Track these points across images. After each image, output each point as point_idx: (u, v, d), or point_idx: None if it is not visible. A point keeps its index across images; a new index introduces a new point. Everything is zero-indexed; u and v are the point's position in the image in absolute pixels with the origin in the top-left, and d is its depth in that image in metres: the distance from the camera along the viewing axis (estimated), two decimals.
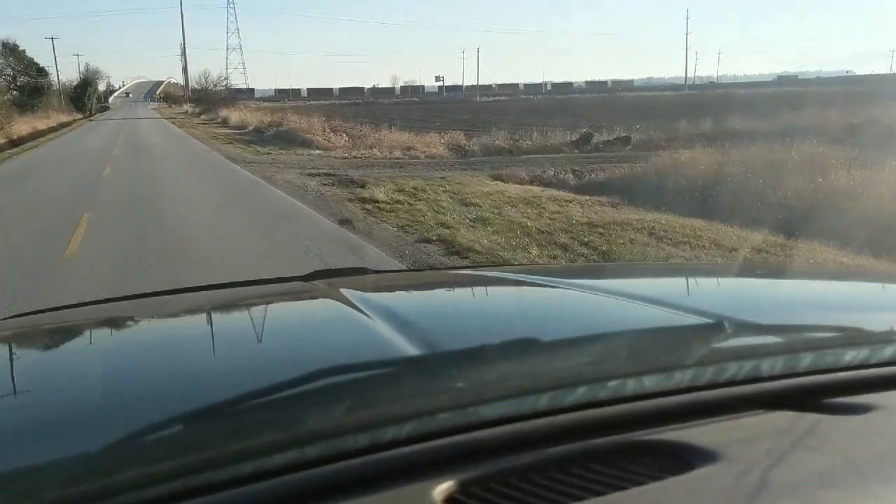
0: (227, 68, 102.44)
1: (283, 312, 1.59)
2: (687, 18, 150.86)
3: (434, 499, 0.72)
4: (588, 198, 13.01)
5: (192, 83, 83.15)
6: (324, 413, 0.79)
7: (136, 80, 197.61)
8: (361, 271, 1.88)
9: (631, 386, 0.87)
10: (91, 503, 0.66)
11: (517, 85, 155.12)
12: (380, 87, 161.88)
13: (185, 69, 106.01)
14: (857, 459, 0.79)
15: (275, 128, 33.69)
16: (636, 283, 1.87)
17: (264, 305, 1.65)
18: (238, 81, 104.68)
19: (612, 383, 0.87)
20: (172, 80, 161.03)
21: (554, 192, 14.27)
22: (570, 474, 0.77)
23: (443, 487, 0.74)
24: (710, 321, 1.08)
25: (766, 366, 0.94)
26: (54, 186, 16.29)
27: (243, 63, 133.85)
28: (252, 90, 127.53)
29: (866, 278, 2.31)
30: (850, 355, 0.98)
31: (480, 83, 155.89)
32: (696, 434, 0.84)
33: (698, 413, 0.88)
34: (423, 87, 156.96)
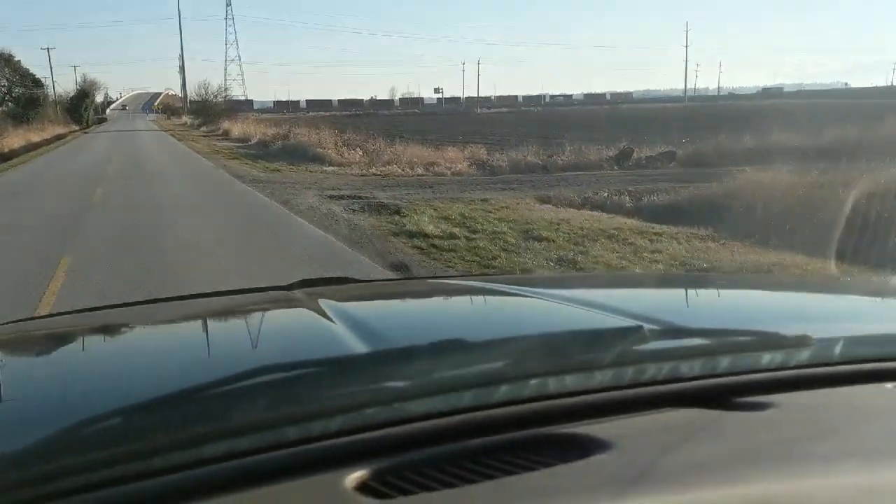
0: (225, 80, 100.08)
1: (251, 320, 1.67)
2: (686, 31, 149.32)
3: (346, 485, 0.77)
4: (676, 229, 10.69)
5: (192, 94, 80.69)
6: (252, 408, 0.86)
7: (135, 92, 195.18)
8: (343, 280, 2.06)
9: (552, 384, 0.93)
10: (39, 485, 0.73)
11: (516, 97, 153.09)
12: (378, 98, 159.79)
13: (183, 81, 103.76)
14: (751, 452, 0.83)
15: (281, 141, 31.35)
16: (587, 291, 1.98)
17: (236, 314, 1.74)
18: (237, 93, 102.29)
19: (533, 381, 0.93)
20: (171, 92, 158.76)
21: (625, 220, 11.96)
22: (481, 464, 0.82)
23: (356, 475, 0.79)
24: (631, 324, 1.14)
25: (685, 367, 0.99)
26: (32, 214, 13.46)
27: (242, 74, 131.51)
28: (251, 102, 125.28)
29: (787, 287, 2.39)
30: (766, 358, 1.03)
31: (478, 95, 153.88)
32: (603, 428, 0.88)
33: (616, 410, 0.93)
34: (422, 98, 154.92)
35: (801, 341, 1.07)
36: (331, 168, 22.15)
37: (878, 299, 1.82)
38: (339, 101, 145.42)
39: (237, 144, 36.32)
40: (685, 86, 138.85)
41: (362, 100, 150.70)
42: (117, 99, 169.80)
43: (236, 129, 46.01)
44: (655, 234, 10.26)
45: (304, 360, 1.07)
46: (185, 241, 10.10)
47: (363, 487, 0.77)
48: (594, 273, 6.32)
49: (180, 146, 37.16)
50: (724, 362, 1.01)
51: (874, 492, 0.77)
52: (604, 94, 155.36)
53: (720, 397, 0.97)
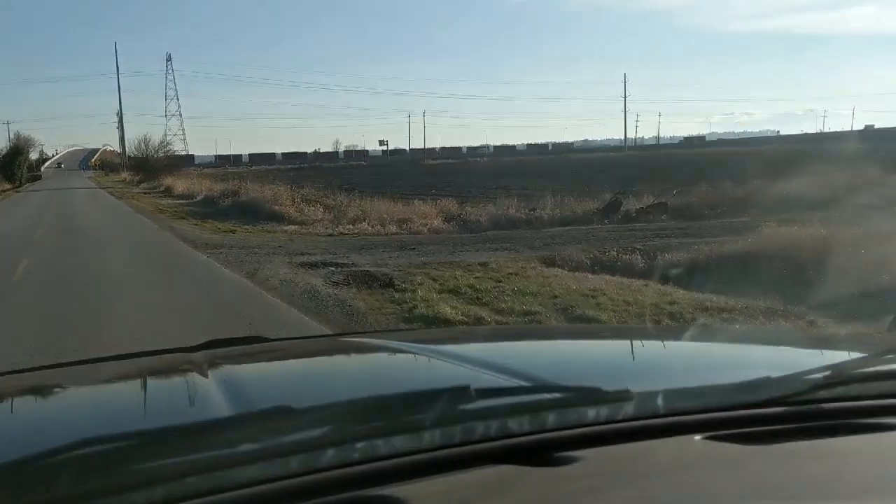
0: (166, 134, 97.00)
1: (122, 388, 1.68)
2: (625, 82, 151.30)
3: None
4: (737, 301, 8.69)
5: (131, 150, 77.50)
6: (59, 482, 0.88)
7: (71, 148, 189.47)
8: (254, 340, 2.10)
9: (382, 446, 0.95)
10: None
11: (460, 148, 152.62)
12: (322, 150, 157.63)
13: (121, 136, 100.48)
14: None
15: (231, 197, 28.87)
16: (492, 346, 2.08)
17: (115, 381, 1.74)
18: (178, 147, 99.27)
19: (360, 444, 0.95)
20: (109, 148, 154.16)
21: (665, 288, 9.91)
22: None
23: None
24: (460, 384, 1.14)
25: (513, 424, 1.03)
26: None
27: (183, 129, 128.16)
28: (192, 157, 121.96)
29: (609, 336, 2.47)
30: (590, 413, 1.08)
31: (420, 146, 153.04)
32: (425, 487, 0.91)
33: (445, 469, 0.96)
34: (366, 150, 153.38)
35: (621, 396, 1.11)
36: (292, 227, 19.86)
37: (711, 347, 1.91)
38: (282, 154, 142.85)
39: (182, 202, 33.74)
40: (625, 135, 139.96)
41: (306, 152, 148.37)
42: (53, 156, 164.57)
43: (180, 184, 43.36)
44: (721, 309, 8.25)
45: (133, 431, 1.15)
46: (131, 337, 7.53)
47: None
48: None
49: (120, 205, 34.34)
50: (551, 418, 1.05)
51: None
52: (546, 145, 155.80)
53: (542, 452, 1.01)
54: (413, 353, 1.74)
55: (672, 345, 1.97)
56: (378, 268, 11.69)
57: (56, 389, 1.66)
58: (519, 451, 1.00)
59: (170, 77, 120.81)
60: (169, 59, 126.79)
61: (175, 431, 1.10)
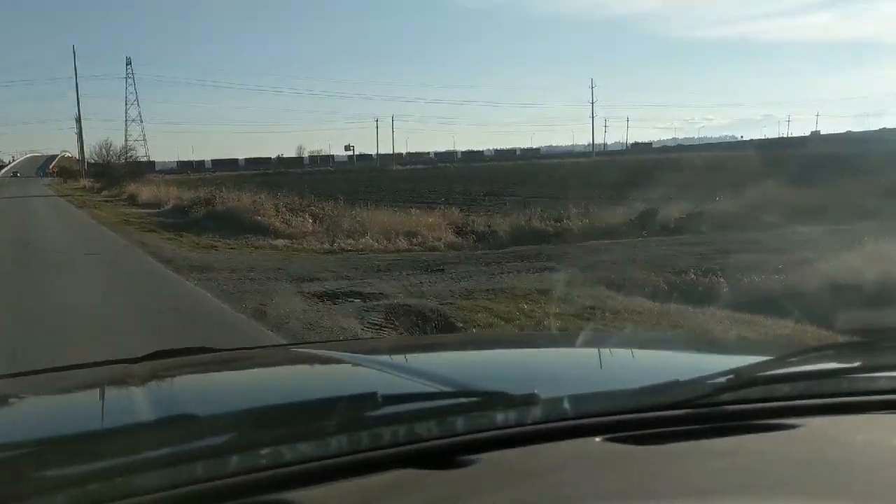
0: (126, 140, 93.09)
1: (50, 398, 1.71)
2: (592, 87, 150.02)
3: None
4: None
5: (91, 156, 73.69)
6: None
7: (28, 155, 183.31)
8: (199, 351, 2.07)
9: (287, 452, 0.97)
10: None
11: (428, 153, 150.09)
12: (285, 156, 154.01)
13: (80, 142, 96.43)
14: None
15: (204, 207, 26.02)
16: (436, 356, 2.11)
17: (53, 391, 1.76)
18: (139, 153, 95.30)
19: (265, 451, 0.96)
20: (67, 154, 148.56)
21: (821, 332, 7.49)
22: None
23: None
24: (366, 391, 1.17)
25: (421, 429, 1.05)
26: None
27: (143, 135, 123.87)
28: (153, 163, 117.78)
29: (521, 343, 2.57)
30: (499, 417, 1.10)
31: (386, 152, 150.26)
32: (323, 492, 0.93)
33: (348, 474, 0.97)
34: (332, 156, 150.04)
35: (529, 400, 1.14)
36: (281, 242, 17.17)
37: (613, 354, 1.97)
38: (245, 159, 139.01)
39: (149, 211, 30.74)
40: (593, 140, 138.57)
41: (270, 158, 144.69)
42: (10, 163, 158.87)
43: (144, 192, 40.21)
44: None
45: (38, 438, 1.14)
46: None
47: None
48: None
49: (81, 215, 31.13)
50: (458, 422, 1.08)
51: None
52: (514, 150, 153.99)
53: (448, 456, 1.03)
54: (344, 362, 1.83)
55: (580, 351, 2.01)
56: (417, 299, 9.14)
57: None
58: (425, 455, 1.02)
59: (130, 81, 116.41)
60: (129, 63, 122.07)
61: (83, 439, 1.15)
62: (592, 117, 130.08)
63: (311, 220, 19.83)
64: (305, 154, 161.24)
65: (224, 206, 24.06)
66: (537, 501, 0.93)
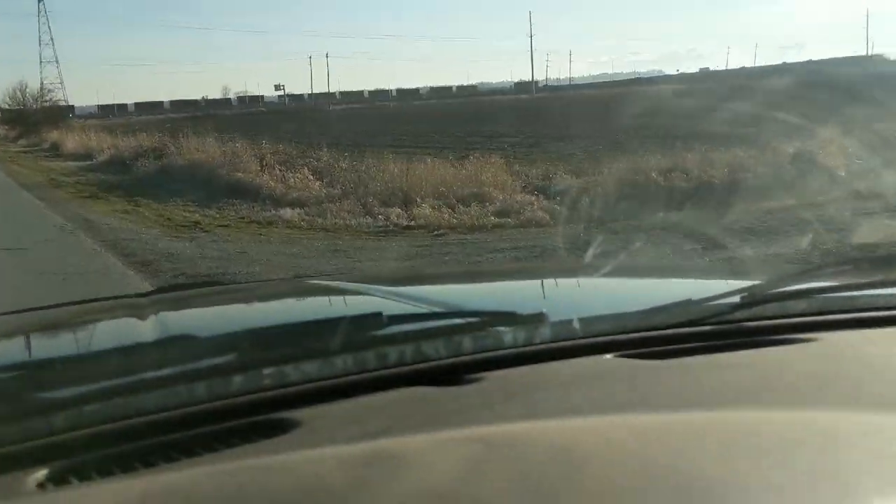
0: (42, 83, 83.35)
1: (73, 329, 1.67)
2: (530, 21, 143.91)
3: (28, 485, 0.76)
4: None
5: (4, 100, 64.69)
6: None
7: None
8: (204, 285, 2.15)
9: (291, 372, 0.94)
10: None
11: (362, 92, 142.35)
12: (212, 98, 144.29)
13: None
14: (465, 422, 0.82)
15: (154, 159, 20.12)
16: (432, 288, 1.99)
17: (58, 323, 1.75)
18: (57, 97, 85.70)
19: (268, 370, 0.93)
20: None
21: None
22: (212, 450, 0.83)
23: (38, 475, 0.78)
24: (372, 309, 1.19)
25: (428, 348, 1.01)
26: None
27: (60, 77, 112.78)
28: (72, 107, 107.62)
29: (529, 273, 2.56)
30: (507, 337, 1.06)
31: (318, 91, 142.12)
32: (327, 410, 0.89)
33: (359, 393, 0.94)
34: (262, 96, 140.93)
35: (537, 319, 1.11)
36: (294, 213, 11.65)
37: (609, 281, 1.87)
38: (171, 102, 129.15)
39: (79, 165, 24.48)
40: (532, 76, 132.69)
41: (197, 100, 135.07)
42: None
43: (69, 140, 33.51)
44: None
45: (37, 361, 1.17)
46: None
47: (46, 485, 0.77)
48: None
49: None
50: (466, 342, 1.04)
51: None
52: (450, 88, 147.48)
53: (455, 375, 0.99)
54: (349, 291, 1.76)
55: (589, 278, 1.94)
56: None
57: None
58: (432, 374, 1.00)
59: (43, 19, 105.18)
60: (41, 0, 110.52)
61: (82, 361, 1.14)
62: (532, 52, 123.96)
63: (315, 180, 14.37)
64: (232, 95, 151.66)
65: (185, 159, 18.20)
66: (547, 414, 0.88)
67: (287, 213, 11.80)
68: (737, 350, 1.10)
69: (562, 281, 1.99)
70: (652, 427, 0.76)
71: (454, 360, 1.02)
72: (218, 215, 11.99)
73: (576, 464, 0.61)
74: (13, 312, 1.90)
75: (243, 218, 11.65)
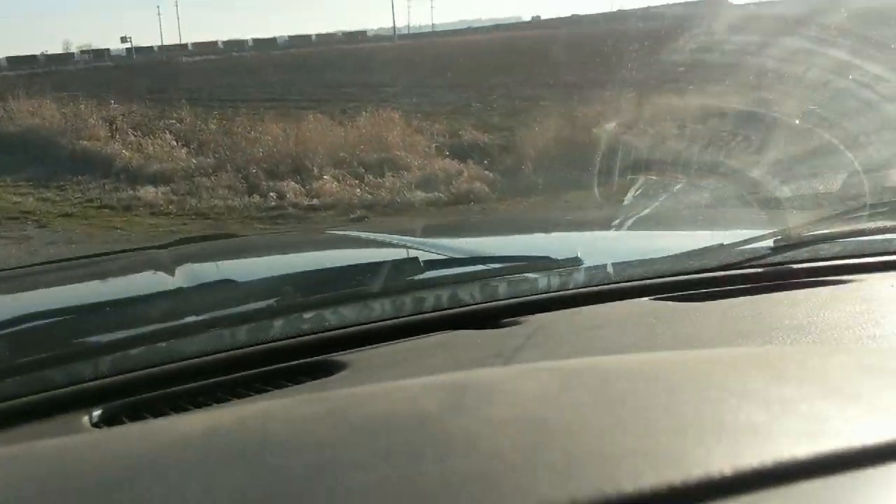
0: None
1: (87, 278, 1.69)
2: None
3: (84, 425, 0.79)
4: None
5: None
6: (25, 349, 0.89)
7: None
8: (223, 236, 2.04)
9: (330, 317, 0.94)
10: None
11: (215, 43, 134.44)
12: (52, 53, 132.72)
13: None
14: (511, 360, 0.83)
15: None
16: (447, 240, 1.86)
17: (89, 274, 1.74)
18: None
19: (308, 315, 0.94)
20: None
21: None
22: (255, 390, 0.83)
23: (92, 416, 0.80)
24: (407, 256, 1.21)
25: (464, 293, 1.02)
26: None
27: None
28: None
29: (560, 221, 2.46)
30: (542, 282, 1.07)
31: (170, 44, 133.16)
32: (365, 355, 0.88)
33: (398, 335, 0.93)
34: (107, 50, 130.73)
35: (572, 263, 1.11)
36: (157, 193, 9.12)
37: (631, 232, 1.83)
38: (7, 58, 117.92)
39: None
40: (394, 24, 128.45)
41: (35, 55, 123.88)
42: None
43: None
44: None
45: (80, 307, 1.14)
46: None
47: (104, 423, 0.80)
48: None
49: None
50: (501, 287, 1.04)
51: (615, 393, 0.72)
52: (308, 36, 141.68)
53: (493, 319, 0.99)
54: (382, 242, 1.74)
55: (623, 226, 1.82)
56: None
57: (28, 281, 1.63)
58: (470, 318, 0.98)
59: None
60: None
61: (124, 306, 1.10)
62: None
63: (180, 145, 11.75)
64: (75, 49, 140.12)
65: (17, 126, 14.92)
66: (585, 353, 0.87)
67: (149, 192, 9.26)
68: (772, 292, 1.09)
69: (596, 229, 1.95)
70: (700, 360, 0.74)
71: (491, 305, 1.01)
72: (58, 198, 9.32)
73: (656, 389, 0.58)
74: (43, 263, 1.99)
75: (92, 201, 9.05)
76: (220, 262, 1.65)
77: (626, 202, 2.05)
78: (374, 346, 0.91)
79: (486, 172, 8.81)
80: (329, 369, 0.86)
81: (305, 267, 1.47)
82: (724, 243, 1.19)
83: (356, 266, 1.21)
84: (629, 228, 1.81)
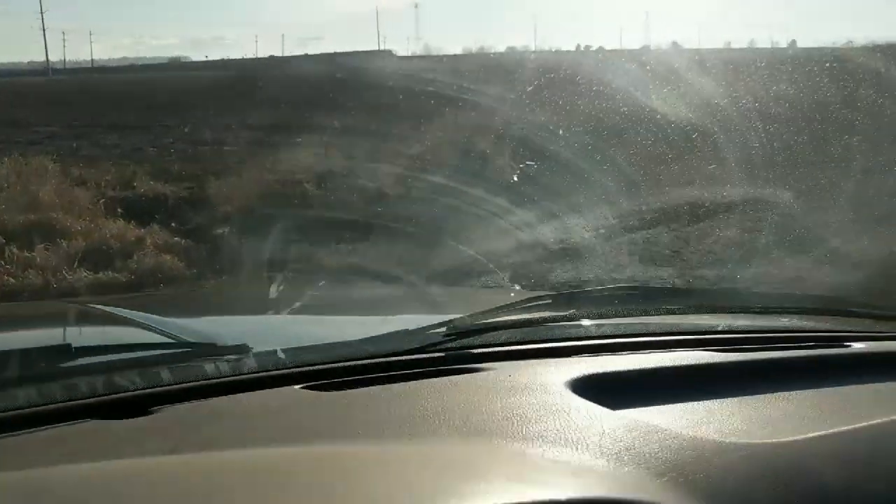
0: None
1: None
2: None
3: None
4: None
5: None
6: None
7: None
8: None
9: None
10: None
11: None
12: None
13: None
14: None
15: None
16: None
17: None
18: None
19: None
20: None
21: None
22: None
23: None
24: (61, 343, 1.25)
25: (122, 378, 1.01)
26: None
27: None
28: None
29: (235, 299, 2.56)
30: (209, 367, 1.08)
31: None
32: (8, 444, 0.87)
33: (44, 423, 0.92)
34: None
35: (238, 350, 1.11)
36: None
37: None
38: None
39: None
40: (47, 57, 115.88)
41: None
42: None
43: None
44: None
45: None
46: None
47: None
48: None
49: None
50: (164, 372, 1.03)
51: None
52: None
53: (144, 406, 0.98)
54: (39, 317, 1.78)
55: (298, 308, 1.92)
56: None
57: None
58: (121, 405, 0.97)
59: None
60: None
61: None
62: (44, 29, 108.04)
63: None
64: None
65: None
66: (224, 444, 0.89)
67: None
68: (426, 378, 1.13)
69: (269, 312, 1.94)
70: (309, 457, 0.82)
71: (146, 392, 1.00)
72: None
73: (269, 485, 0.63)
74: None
75: None
76: None
77: (270, 293, 1.94)
78: (14, 434, 0.88)
79: (176, 239, 6.83)
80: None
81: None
82: (383, 333, 1.22)
83: (8, 352, 1.17)
84: (298, 313, 1.85)
